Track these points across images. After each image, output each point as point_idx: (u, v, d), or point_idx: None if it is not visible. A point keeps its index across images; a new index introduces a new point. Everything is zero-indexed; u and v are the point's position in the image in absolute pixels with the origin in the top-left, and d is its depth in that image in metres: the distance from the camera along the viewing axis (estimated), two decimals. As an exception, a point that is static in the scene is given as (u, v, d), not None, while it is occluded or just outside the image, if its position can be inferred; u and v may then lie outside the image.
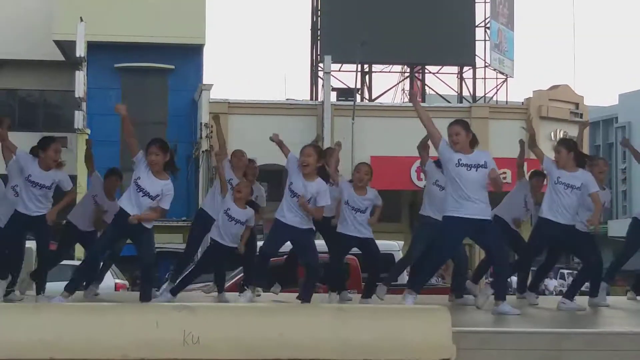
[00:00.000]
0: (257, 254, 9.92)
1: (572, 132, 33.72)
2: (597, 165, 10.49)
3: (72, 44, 30.67)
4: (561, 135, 33.57)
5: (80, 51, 30.29)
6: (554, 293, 35.65)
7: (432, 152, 9.43)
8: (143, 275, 9.48)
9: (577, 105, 34.84)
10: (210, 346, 6.71)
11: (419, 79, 36.47)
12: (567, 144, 9.81)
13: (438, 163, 9.54)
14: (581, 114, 34.67)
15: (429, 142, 9.47)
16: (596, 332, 7.46)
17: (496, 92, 36.13)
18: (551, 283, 38.98)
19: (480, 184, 8.69)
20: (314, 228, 9.49)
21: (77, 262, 15.50)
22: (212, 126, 30.56)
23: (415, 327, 6.97)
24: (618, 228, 38.16)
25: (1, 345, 6.64)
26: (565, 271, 41.79)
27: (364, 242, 9.97)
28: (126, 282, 23.62)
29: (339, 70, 34.33)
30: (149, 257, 9.21)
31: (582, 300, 10.11)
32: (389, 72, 36.94)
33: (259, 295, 10.78)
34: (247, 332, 6.81)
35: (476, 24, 35.38)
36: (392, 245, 17.76)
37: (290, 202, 9.19)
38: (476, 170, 8.67)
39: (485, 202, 8.76)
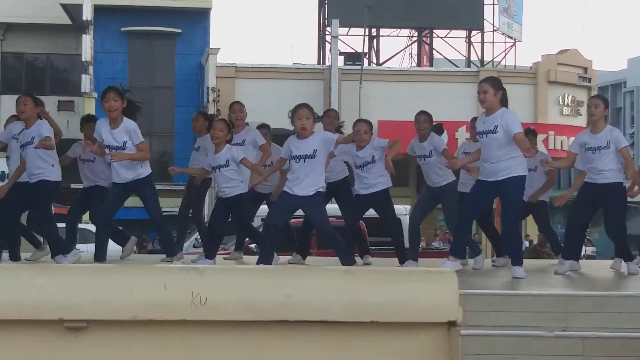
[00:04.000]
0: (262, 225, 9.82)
1: (581, 96, 33.64)
2: None
3: (79, 7, 30.58)
4: (569, 100, 33.50)
5: (87, 14, 30.21)
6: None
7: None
8: (158, 231, 9.60)
9: (585, 69, 34.71)
10: (218, 308, 6.77)
11: (426, 43, 36.32)
12: (604, 99, 9.61)
13: None
14: (589, 79, 34.55)
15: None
16: (602, 295, 7.47)
17: (504, 57, 36.00)
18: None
19: (494, 146, 8.68)
20: (320, 191, 9.20)
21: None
22: (218, 90, 30.58)
23: (422, 290, 7.01)
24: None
25: (11, 305, 6.71)
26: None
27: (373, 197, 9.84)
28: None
29: (347, 35, 34.21)
30: (154, 212, 9.31)
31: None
32: (397, 36, 36.80)
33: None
34: (255, 294, 6.86)
35: (485, -12, 35.20)
36: (400, 210, 17.79)
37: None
38: (487, 137, 8.67)
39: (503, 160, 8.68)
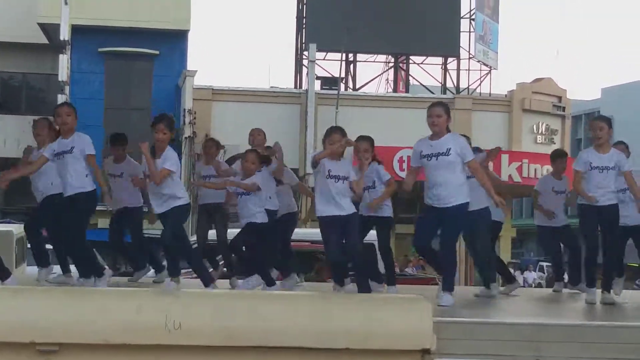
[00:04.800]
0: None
1: (555, 125, 33.88)
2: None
3: (56, 27, 30.50)
4: (543, 128, 33.71)
5: (65, 34, 30.13)
6: (533, 285, 35.84)
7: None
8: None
9: (560, 98, 34.97)
10: (192, 332, 6.73)
11: (402, 69, 36.49)
12: (607, 120, 9.62)
13: None
14: (564, 107, 34.80)
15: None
16: (575, 325, 7.51)
17: (480, 84, 36.22)
18: (530, 275, 39.18)
19: (443, 170, 8.73)
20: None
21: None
22: (194, 112, 30.55)
23: (396, 317, 7.01)
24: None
25: (-17, 327, 6.64)
26: (545, 264, 42.00)
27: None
28: (105, 267, 23.58)
29: (324, 59, 34.31)
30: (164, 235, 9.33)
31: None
32: (374, 61, 36.95)
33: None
34: (230, 319, 6.83)
35: (461, 15, 35.43)
36: (374, 235, 17.77)
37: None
38: (437, 159, 8.73)
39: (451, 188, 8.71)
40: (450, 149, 8.67)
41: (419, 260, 25.46)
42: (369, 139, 9.81)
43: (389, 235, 9.95)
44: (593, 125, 9.43)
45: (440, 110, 8.78)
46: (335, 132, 8.97)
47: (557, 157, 11.30)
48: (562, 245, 11.30)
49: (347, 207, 8.75)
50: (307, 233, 13.75)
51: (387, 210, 9.78)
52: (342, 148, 8.91)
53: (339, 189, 8.71)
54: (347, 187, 8.75)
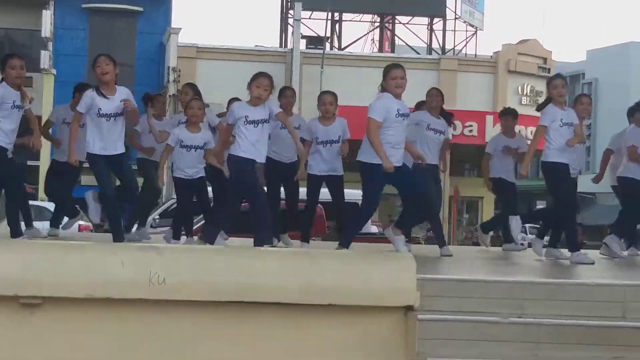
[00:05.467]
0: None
1: (540, 86, 33.90)
2: (582, 103, 10.40)
3: (39, -17, 30.28)
4: (528, 90, 33.75)
5: (48, -10, 29.91)
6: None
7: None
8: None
9: (545, 60, 35.00)
10: (175, 287, 6.74)
11: (388, 29, 36.36)
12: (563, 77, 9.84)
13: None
14: (549, 69, 34.83)
15: None
16: (557, 282, 7.55)
17: (465, 45, 36.17)
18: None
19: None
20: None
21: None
22: (179, 70, 30.42)
23: (380, 273, 7.03)
24: (582, 183, 38.45)
25: (-34, 281, 6.63)
26: (527, 225, 42.16)
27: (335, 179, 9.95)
28: (89, 224, 23.54)
29: (309, 18, 34.17)
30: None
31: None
32: (359, 21, 36.81)
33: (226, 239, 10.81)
34: (213, 275, 6.83)
35: (448, -25, 35.32)
36: (357, 194, 17.80)
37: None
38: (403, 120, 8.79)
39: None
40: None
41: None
42: (332, 93, 9.97)
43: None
44: (558, 84, 9.47)
45: (404, 72, 8.82)
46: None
47: (508, 114, 11.36)
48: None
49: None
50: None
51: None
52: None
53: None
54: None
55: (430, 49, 35.78)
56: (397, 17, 35.94)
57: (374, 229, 18.25)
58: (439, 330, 6.86)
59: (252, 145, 8.53)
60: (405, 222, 9.33)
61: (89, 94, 8.77)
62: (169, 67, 30.94)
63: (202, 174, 9.61)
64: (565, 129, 9.30)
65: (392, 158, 8.50)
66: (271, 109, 8.71)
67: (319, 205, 14.74)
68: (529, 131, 25.92)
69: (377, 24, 36.55)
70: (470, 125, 29.70)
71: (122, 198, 9.15)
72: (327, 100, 9.80)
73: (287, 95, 10.42)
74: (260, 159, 8.68)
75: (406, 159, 9.05)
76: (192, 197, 9.82)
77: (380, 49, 35.98)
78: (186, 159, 9.49)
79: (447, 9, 35.24)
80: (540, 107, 9.61)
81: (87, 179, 9.91)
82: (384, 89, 8.79)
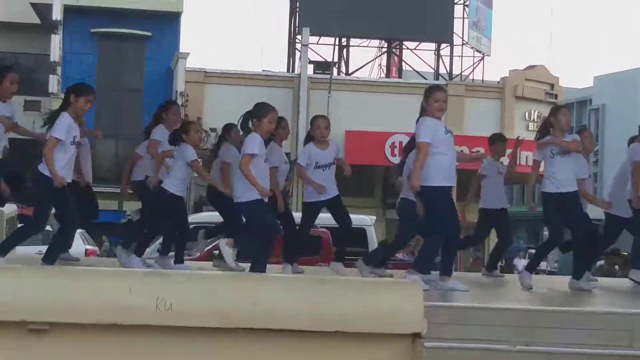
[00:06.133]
0: None
1: (547, 112, 33.71)
2: (586, 137, 10.46)
3: (48, 7, 30.41)
4: (535, 116, 33.74)
5: (57, 14, 30.05)
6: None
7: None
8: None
9: (552, 86, 35.00)
10: (183, 313, 6.72)
11: (395, 55, 36.44)
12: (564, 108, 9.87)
13: None
14: (556, 95, 34.83)
15: None
16: (565, 310, 7.53)
17: (472, 71, 36.20)
18: (520, 262, 39.24)
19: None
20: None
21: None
22: (187, 95, 30.51)
23: (388, 301, 7.01)
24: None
25: (-27, 306, 6.62)
26: (534, 251, 42.06)
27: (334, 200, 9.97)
28: (96, 248, 23.60)
29: (317, 43, 34.26)
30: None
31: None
32: (367, 46, 36.89)
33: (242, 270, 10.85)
34: (221, 301, 6.82)
35: (455, 1, 35.39)
36: (365, 220, 17.82)
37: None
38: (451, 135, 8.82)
39: None
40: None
41: (409, 247, 25.45)
42: (327, 118, 10.15)
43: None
44: (566, 113, 9.52)
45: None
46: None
47: (497, 140, 11.38)
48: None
49: None
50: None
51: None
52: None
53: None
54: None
55: (437, 75, 35.82)
56: (404, 42, 36.02)
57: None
58: (447, 358, 6.84)
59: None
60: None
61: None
62: (177, 92, 31.02)
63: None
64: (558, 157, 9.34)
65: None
66: None
67: (325, 230, 14.78)
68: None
69: (384, 50, 36.62)
70: (477, 151, 29.68)
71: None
72: (322, 125, 9.85)
73: (282, 126, 10.49)
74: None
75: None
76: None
77: (388, 75, 36.03)
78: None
79: (454, 34, 35.30)
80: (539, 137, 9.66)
81: (103, 204, 10.01)
82: (423, 109, 8.74)
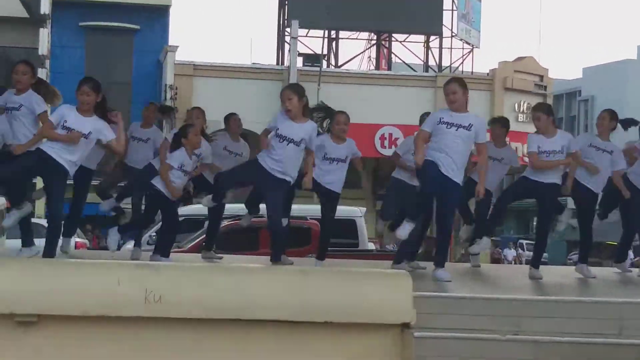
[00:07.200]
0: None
1: (536, 104, 33.91)
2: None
3: (37, 1, 30.23)
4: (525, 107, 33.77)
5: (45, 8, 29.90)
6: (513, 262, 36.02)
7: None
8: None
9: (541, 77, 35.02)
10: (172, 305, 6.73)
11: (385, 47, 36.43)
12: (545, 109, 9.76)
13: None
14: (545, 86, 34.86)
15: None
16: (554, 300, 7.54)
17: (462, 62, 36.21)
18: (510, 253, 39.39)
19: (460, 141, 8.66)
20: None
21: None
22: (176, 88, 30.44)
23: (377, 291, 7.03)
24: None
25: (-39, 299, 6.60)
26: (524, 242, 42.19)
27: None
28: (86, 241, 23.55)
29: (306, 36, 34.20)
30: None
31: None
32: (356, 39, 36.86)
33: (220, 258, 10.80)
34: (209, 292, 6.83)
35: (444, -6, 35.39)
36: (355, 212, 17.83)
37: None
38: (457, 130, 8.67)
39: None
40: (472, 125, 8.63)
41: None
42: (347, 114, 9.97)
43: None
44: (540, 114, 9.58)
45: (455, 86, 8.73)
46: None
47: (496, 122, 11.24)
48: None
49: None
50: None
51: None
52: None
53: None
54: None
55: (426, 67, 35.80)
56: (393, 35, 36.00)
57: (370, 245, 18.25)
58: (436, 348, 6.85)
59: None
60: None
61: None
62: (166, 85, 30.94)
63: None
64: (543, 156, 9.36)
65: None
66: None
67: (315, 222, 14.77)
68: (524, 148, 25.88)
69: (373, 42, 36.58)
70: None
71: None
72: (341, 120, 9.83)
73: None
74: None
75: None
76: None
77: (377, 67, 36.01)
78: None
79: (443, 26, 35.29)
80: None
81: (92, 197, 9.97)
82: None
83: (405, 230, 8.62)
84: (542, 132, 9.46)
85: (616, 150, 10.10)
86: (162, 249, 9.72)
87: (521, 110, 33.59)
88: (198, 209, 15.67)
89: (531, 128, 10.55)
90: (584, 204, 10.11)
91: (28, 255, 9.32)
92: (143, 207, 10.20)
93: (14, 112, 9.18)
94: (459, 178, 8.66)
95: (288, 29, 32.90)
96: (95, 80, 8.96)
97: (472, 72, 35.79)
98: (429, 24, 34.91)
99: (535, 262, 9.72)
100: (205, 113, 10.66)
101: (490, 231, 10.18)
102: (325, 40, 34.11)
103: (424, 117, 10.16)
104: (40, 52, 29.97)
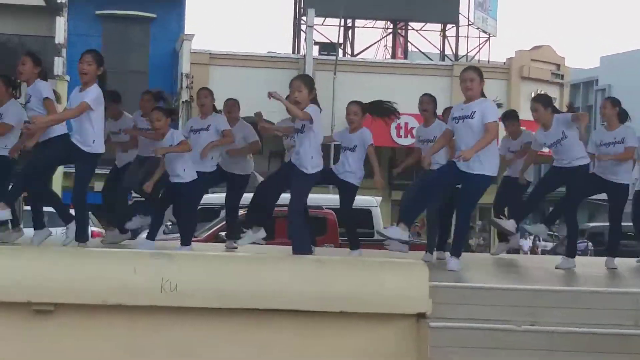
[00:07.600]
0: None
1: (553, 93, 33.79)
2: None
3: (53, -11, 30.30)
4: (542, 96, 33.66)
5: (62, -4, 29.97)
6: (529, 252, 35.92)
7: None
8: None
9: (558, 66, 34.88)
10: (187, 294, 6.74)
11: (401, 35, 36.34)
12: (543, 101, 9.74)
13: None
14: (562, 75, 34.72)
15: None
16: (570, 290, 7.53)
17: (478, 51, 36.10)
18: (526, 243, 39.22)
19: (469, 133, 8.58)
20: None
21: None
22: (192, 77, 30.43)
23: (393, 281, 7.02)
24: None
25: (-21, 287, 6.64)
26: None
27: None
28: (102, 230, 23.60)
29: (322, 25, 34.16)
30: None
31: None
32: (372, 27, 36.79)
33: (235, 248, 10.81)
34: (225, 281, 6.83)
35: (460, -18, 35.27)
36: (371, 201, 17.81)
37: None
38: (462, 122, 8.62)
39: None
40: (475, 112, 8.55)
41: (414, 227, 25.45)
42: (358, 103, 10.06)
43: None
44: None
45: (473, 74, 8.65)
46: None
47: (510, 117, 11.21)
48: None
49: None
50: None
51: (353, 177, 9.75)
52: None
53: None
54: None
55: (443, 56, 35.70)
56: (409, 23, 35.91)
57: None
58: (452, 338, 6.84)
59: None
60: None
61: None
62: (182, 74, 30.97)
63: None
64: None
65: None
66: None
67: (331, 211, 14.76)
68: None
69: (390, 31, 36.50)
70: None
71: None
72: (350, 110, 9.84)
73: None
74: None
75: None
76: None
77: (393, 56, 35.93)
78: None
79: (460, 15, 35.18)
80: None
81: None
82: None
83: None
84: (541, 125, 9.48)
85: (627, 135, 9.96)
86: (183, 237, 9.71)
87: (538, 98, 33.46)
88: (214, 198, 15.70)
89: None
90: (613, 199, 10.03)
91: (39, 239, 9.38)
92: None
93: (27, 104, 9.28)
94: (479, 169, 8.54)
95: (304, 18, 32.86)
96: (97, 51, 9.09)
97: (488, 60, 35.67)
98: (445, 12, 34.81)
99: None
100: (239, 102, 10.82)
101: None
102: (341, 29, 34.05)
103: (447, 111, 10.19)
104: (56, 41, 30.02)
